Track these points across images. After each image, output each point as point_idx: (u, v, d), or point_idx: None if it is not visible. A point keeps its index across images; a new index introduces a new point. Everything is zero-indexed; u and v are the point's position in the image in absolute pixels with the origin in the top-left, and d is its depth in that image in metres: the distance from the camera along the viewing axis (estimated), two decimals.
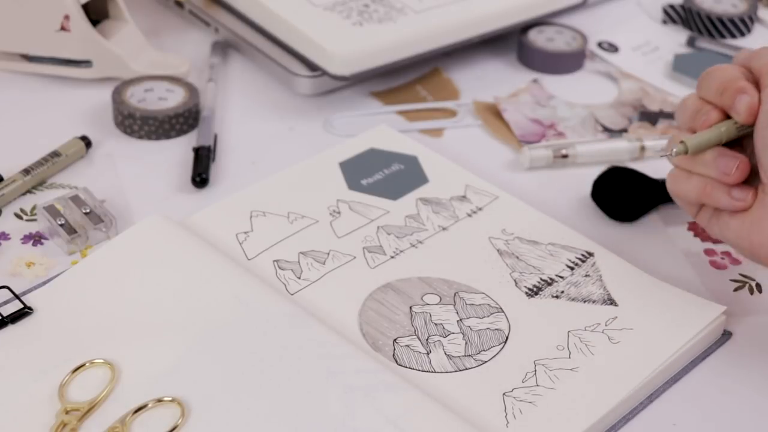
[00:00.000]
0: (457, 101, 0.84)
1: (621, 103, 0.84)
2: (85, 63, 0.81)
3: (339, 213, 0.69)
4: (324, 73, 0.80)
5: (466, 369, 0.59)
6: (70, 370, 0.57)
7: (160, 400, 0.56)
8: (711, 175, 0.61)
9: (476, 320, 0.62)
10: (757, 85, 0.61)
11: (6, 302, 0.61)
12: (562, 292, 0.64)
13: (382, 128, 0.77)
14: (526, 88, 0.85)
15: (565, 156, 0.76)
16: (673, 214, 0.72)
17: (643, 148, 0.77)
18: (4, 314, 0.60)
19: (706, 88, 0.62)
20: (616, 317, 0.62)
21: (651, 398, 0.59)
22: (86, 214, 0.67)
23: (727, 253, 0.69)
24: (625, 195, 0.71)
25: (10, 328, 0.59)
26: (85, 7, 0.79)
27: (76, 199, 0.68)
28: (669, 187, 0.64)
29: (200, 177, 0.72)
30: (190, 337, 0.59)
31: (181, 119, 0.77)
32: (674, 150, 0.61)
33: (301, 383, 0.57)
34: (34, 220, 0.69)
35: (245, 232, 0.67)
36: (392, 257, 0.66)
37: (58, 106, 0.80)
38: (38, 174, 0.72)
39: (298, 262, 0.65)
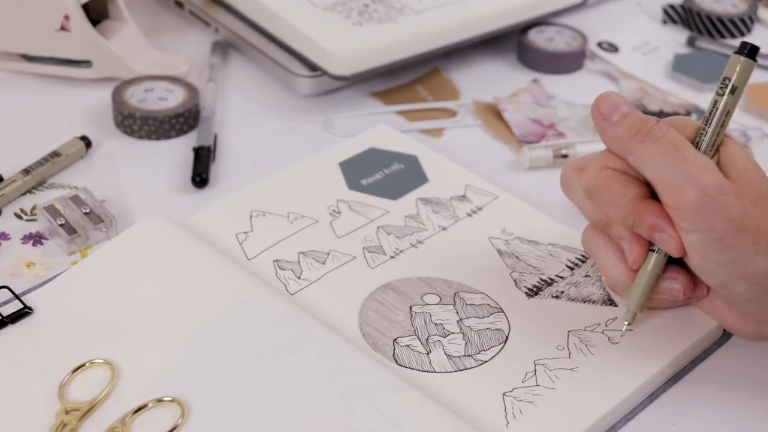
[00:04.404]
0: (457, 101, 0.84)
1: None
2: (85, 63, 0.81)
3: (339, 213, 0.69)
4: (324, 73, 0.80)
5: (466, 369, 0.59)
6: (70, 370, 0.57)
7: (160, 400, 0.56)
8: (663, 298, 0.60)
9: (476, 320, 0.62)
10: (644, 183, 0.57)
11: (6, 302, 0.61)
12: (562, 292, 0.64)
13: (382, 128, 0.77)
14: (526, 88, 0.85)
15: (565, 156, 0.76)
16: None
17: None
18: (4, 314, 0.60)
19: (607, 209, 0.58)
20: (616, 318, 0.62)
21: (651, 398, 0.59)
22: (86, 214, 0.67)
23: None
24: None
25: (10, 328, 0.59)
26: (85, 7, 0.79)
27: (76, 199, 0.68)
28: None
29: (200, 177, 0.72)
30: (190, 337, 0.59)
31: (181, 119, 0.77)
32: (626, 325, 0.60)
33: (301, 383, 0.57)
34: (34, 220, 0.69)
35: (245, 232, 0.67)
36: (392, 257, 0.66)
37: (58, 106, 0.80)
38: (38, 174, 0.72)
39: (298, 262, 0.65)
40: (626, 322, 0.60)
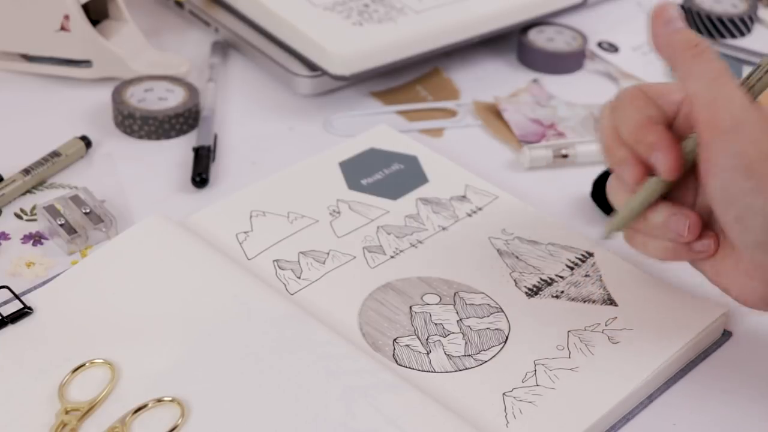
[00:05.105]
0: (457, 101, 0.84)
1: None
2: (85, 63, 0.81)
3: (339, 213, 0.69)
4: (324, 73, 0.80)
5: (466, 369, 0.59)
6: (70, 370, 0.57)
7: (160, 400, 0.56)
8: (665, 238, 0.58)
9: (476, 320, 0.62)
10: (671, 122, 0.57)
11: (6, 302, 0.61)
12: (562, 292, 0.64)
13: (382, 128, 0.77)
14: (526, 88, 0.85)
15: (565, 156, 0.76)
16: None
17: None
18: (4, 314, 0.60)
19: (621, 122, 0.58)
20: (616, 317, 0.62)
21: (651, 398, 0.59)
22: (86, 214, 0.67)
23: None
24: None
25: (10, 328, 0.59)
26: (85, 7, 0.79)
27: (76, 199, 0.68)
28: (633, 247, 0.61)
29: (200, 177, 0.72)
30: (190, 337, 0.59)
31: (181, 119, 0.77)
32: (604, 234, 0.59)
33: (301, 383, 0.57)
34: (34, 220, 0.69)
35: (245, 232, 0.67)
36: (392, 257, 0.66)
37: (58, 106, 0.80)
38: (38, 174, 0.72)
39: (298, 261, 0.65)
40: (604, 234, 0.59)
